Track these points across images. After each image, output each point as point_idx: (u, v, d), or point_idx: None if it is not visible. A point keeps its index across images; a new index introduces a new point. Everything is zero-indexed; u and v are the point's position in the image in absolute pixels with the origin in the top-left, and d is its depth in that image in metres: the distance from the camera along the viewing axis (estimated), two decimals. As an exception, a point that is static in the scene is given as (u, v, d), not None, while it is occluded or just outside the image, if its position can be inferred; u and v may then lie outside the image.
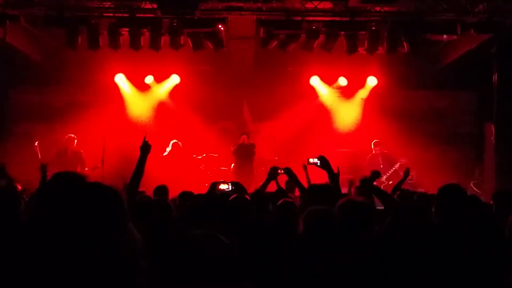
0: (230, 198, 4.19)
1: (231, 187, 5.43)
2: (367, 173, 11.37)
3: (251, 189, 9.97)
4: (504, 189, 5.27)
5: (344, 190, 5.61)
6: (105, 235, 2.09)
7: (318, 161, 4.91)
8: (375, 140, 11.70)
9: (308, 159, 5.07)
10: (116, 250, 2.10)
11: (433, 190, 9.23)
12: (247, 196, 4.39)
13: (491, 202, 5.12)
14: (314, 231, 2.99)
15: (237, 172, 11.42)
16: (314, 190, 4.55)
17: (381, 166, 11.25)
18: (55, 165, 9.63)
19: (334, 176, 4.67)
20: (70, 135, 11.14)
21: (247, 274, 2.72)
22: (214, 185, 5.40)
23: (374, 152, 11.70)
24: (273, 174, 5.56)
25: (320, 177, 5.32)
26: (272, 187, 5.88)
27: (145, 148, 4.46)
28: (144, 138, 4.51)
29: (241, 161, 11.57)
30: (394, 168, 11.19)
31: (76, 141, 11.16)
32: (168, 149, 11.85)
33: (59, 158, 10.68)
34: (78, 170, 10.33)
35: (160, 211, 3.99)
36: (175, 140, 11.94)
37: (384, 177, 11.11)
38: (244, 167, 11.46)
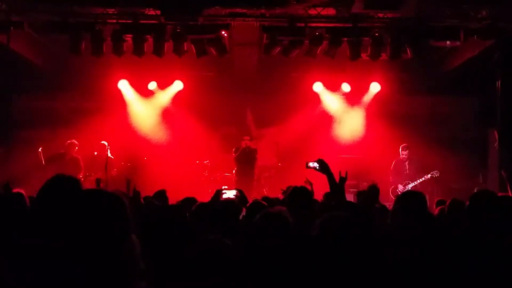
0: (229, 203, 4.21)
1: (236, 194, 5.43)
2: (386, 178, 11.10)
3: (252, 194, 9.99)
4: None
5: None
6: (106, 239, 2.12)
7: (317, 165, 4.83)
8: (403, 144, 11.30)
9: (307, 163, 4.98)
10: (116, 254, 2.13)
11: (436, 196, 9.20)
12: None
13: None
14: (331, 237, 2.95)
15: (239, 177, 11.43)
16: (295, 193, 4.58)
17: (407, 172, 11.05)
18: (53, 167, 9.67)
19: (334, 180, 4.61)
20: (72, 140, 11.06)
21: (253, 277, 2.73)
22: (219, 193, 5.40)
23: (401, 156, 11.25)
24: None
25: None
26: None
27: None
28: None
29: (243, 166, 11.58)
30: (423, 179, 10.75)
31: (77, 148, 11.05)
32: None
33: (56, 161, 10.65)
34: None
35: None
36: (103, 142, 10.94)
37: (410, 185, 10.72)
38: (246, 172, 11.47)
